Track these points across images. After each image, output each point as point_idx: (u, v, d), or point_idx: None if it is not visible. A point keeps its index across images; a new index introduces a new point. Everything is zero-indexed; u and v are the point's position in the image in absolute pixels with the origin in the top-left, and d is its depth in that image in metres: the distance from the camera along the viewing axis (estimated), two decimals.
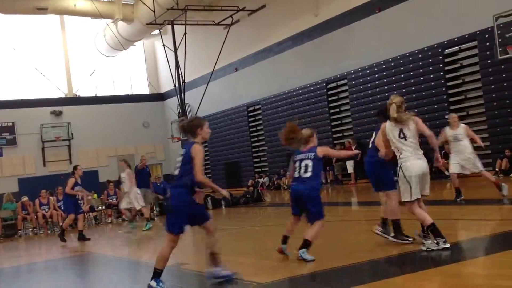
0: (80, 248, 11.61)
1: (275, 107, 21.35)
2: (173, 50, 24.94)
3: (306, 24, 20.04)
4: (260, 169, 22.86)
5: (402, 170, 5.77)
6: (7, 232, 15.20)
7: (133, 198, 13.38)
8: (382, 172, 6.49)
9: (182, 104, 23.56)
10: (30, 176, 24.82)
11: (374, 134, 6.76)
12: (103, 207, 16.96)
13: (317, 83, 19.77)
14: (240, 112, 24.02)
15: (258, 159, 23.30)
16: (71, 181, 11.92)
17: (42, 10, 23.97)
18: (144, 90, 29.56)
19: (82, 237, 11.98)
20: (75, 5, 24.25)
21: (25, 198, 16.10)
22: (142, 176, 14.29)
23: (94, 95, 27.92)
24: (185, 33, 23.07)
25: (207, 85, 23.60)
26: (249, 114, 23.67)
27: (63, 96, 27.46)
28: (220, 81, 24.19)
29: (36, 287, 7.53)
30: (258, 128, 22.87)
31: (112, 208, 16.44)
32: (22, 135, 25.49)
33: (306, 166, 6.09)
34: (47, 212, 15.50)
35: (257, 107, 23.14)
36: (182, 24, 23.08)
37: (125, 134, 26.66)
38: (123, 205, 13.92)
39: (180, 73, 24.61)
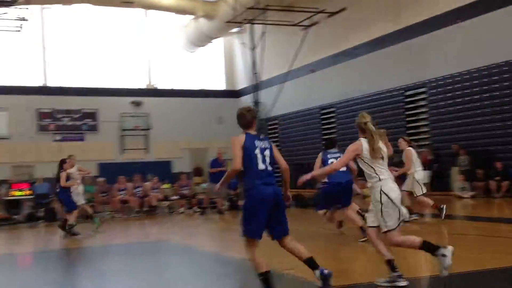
0: (154, 235, 12.18)
1: (349, 111, 21.29)
2: (250, 48, 25.42)
3: (385, 29, 19.88)
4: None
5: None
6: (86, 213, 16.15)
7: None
8: None
9: (256, 103, 23.97)
10: (109, 162, 26.04)
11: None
12: (177, 197, 17.63)
13: (394, 90, 19.58)
14: (314, 114, 24.12)
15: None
16: (63, 174, 11.97)
17: (128, 4, 24.98)
18: (220, 86, 30.22)
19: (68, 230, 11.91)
20: (160, 0, 25.17)
21: (101, 179, 16.99)
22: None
23: (172, 88, 28.84)
24: (263, 32, 23.45)
25: (282, 85, 23.86)
26: (322, 117, 23.73)
27: (143, 87, 28.55)
28: (295, 81, 24.36)
29: (109, 268, 7.99)
30: (331, 131, 22.88)
31: (184, 199, 17.09)
32: (103, 122, 26.76)
33: None
34: (124, 197, 16.36)
35: (331, 110, 23.16)
36: (261, 23, 23.46)
37: (199, 128, 27.38)
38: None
39: (256, 72, 25.04)
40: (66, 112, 26.31)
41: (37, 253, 10.35)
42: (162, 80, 28.90)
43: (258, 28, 24.61)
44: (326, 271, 5.04)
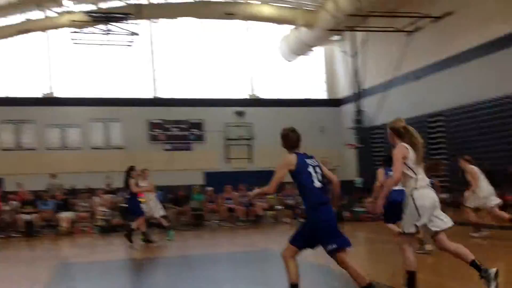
0: (259, 244, 12.43)
1: (459, 119, 20.42)
2: (352, 56, 25.21)
3: (498, 32, 18.87)
4: (441, 184, 22.02)
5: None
6: (196, 221, 16.84)
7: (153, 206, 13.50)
8: None
9: (359, 111, 23.71)
10: (215, 171, 26.94)
11: None
12: (281, 206, 17.86)
13: (510, 97, 18.51)
14: (421, 122, 23.35)
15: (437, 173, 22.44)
16: (133, 181, 12.46)
17: (230, 15, 25.76)
18: (321, 95, 30.23)
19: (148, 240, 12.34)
20: (261, 11, 25.73)
21: (209, 189, 17.62)
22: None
23: (274, 97, 29.29)
24: (365, 39, 23.19)
25: (385, 93, 23.40)
26: (430, 125, 22.93)
27: (246, 97, 29.24)
28: (399, 89, 23.78)
29: (214, 276, 8.25)
30: (439, 140, 22.02)
31: (289, 209, 17.29)
32: (209, 132, 27.75)
33: None
34: (230, 206, 16.87)
35: (439, 118, 22.34)
36: (362, 30, 23.21)
37: (303, 138, 27.53)
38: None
39: (358, 80, 24.78)
40: (174, 123, 27.58)
41: (148, 259, 10.91)
42: (264, 90, 29.45)
43: (359, 35, 24.37)
44: None
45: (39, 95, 26.83)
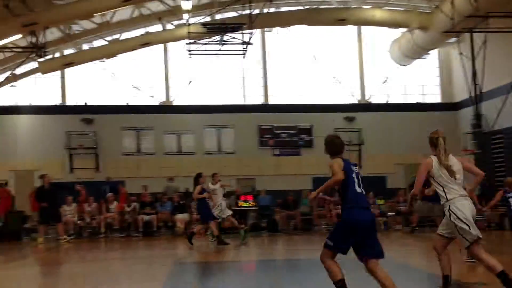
0: None
1: None
2: (470, 58, 23.98)
3: None
4: None
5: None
6: (305, 226, 16.92)
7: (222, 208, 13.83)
8: None
9: (478, 115, 22.50)
10: (323, 176, 26.82)
11: None
12: (393, 213, 17.41)
13: None
14: None
15: None
16: (198, 188, 12.96)
17: (341, 21, 25.56)
18: (436, 99, 29.07)
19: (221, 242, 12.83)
20: (373, 15, 25.27)
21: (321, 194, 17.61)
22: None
23: (385, 102, 28.64)
24: (485, 41, 22.00)
25: (507, 96, 22.01)
26: None
27: (356, 102, 28.86)
28: None
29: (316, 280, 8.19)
30: None
31: (400, 215, 16.80)
32: (318, 138, 27.71)
33: None
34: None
35: None
36: (481, 32, 22.04)
37: (414, 143, 26.66)
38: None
39: (477, 83, 23.53)
40: (284, 128, 27.89)
41: (256, 261, 11.11)
42: (376, 95, 28.90)
43: (478, 36, 23.14)
44: None
45: (157, 103, 28.42)
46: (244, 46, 23.45)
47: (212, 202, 13.75)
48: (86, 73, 28.19)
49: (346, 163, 5.72)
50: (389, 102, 28.60)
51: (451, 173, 5.88)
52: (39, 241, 14.29)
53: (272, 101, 28.84)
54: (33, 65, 27.16)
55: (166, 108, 28.07)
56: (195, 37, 23.62)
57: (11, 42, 24.28)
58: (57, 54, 27.51)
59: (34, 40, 22.04)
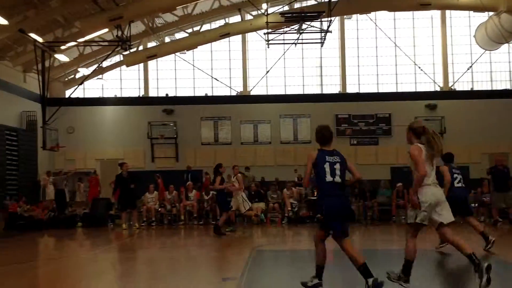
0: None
1: None
2: None
3: None
4: None
5: None
6: (382, 216, 16.64)
7: (240, 201, 13.78)
8: None
9: None
10: (401, 166, 26.18)
11: None
12: (475, 204, 16.76)
13: None
14: None
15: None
16: (218, 178, 13.19)
17: (425, 6, 24.68)
18: None
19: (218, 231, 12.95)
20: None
21: (399, 184, 17.21)
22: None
23: (470, 89, 27.48)
24: None
25: None
26: None
27: (438, 89, 27.90)
28: None
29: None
30: None
31: (484, 206, 16.14)
32: (397, 126, 27.06)
33: None
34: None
35: None
36: None
37: (500, 131, 25.45)
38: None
39: None
40: (361, 117, 27.46)
41: (336, 251, 11.09)
42: (460, 82, 27.80)
43: None
44: (379, 281, 5.66)
45: (235, 94, 28.86)
46: (323, 34, 23.24)
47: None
48: (167, 65, 29.13)
49: (321, 154, 6.01)
50: (473, 89, 27.40)
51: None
52: (122, 227, 14.99)
53: (349, 89, 28.46)
54: (118, 58, 28.41)
55: (243, 98, 28.44)
56: (274, 27, 23.70)
57: (98, 36, 25.50)
58: (140, 47, 28.58)
59: (119, 34, 22.99)
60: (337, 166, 6.01)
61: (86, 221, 15.86)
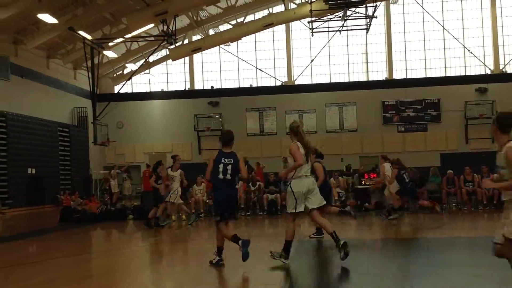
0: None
1: None
2: None
3: None
4: None
5: None
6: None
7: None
8: None
9: None
10: (452, 152, 25.62)
11: None
12: None
13: None
14: None
15: None
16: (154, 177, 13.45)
17: None
18: None
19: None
20: None
21: (449, 171, 16.79)
22: None
23: None
24: None
25: None
26: None
27: (488, 73, 27.06)
28: None
29: (450, 260, 7.89)
30: None
31: None
32: (446, 112, 26.45)
33: None
34: (471, 188, 15.88)
35: None
36: None
37: None
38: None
39: None
40: (409, 104, 26.96)
41: (383, 240, 10.99)
42: (510, 63, 26.90)
43: None
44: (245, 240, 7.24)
45: (280, 84, 28.83)
46: (368, 20, 22.90)
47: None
48: (212, 57, 29.40)
49: (218, 156, 7.30)
50: None
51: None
52: (172, 219, 15.29)
53: (396, 75, 27.96)
54: (164, 52, 28.88)
55: (288, 88, 28.41)
56: (317, 15, 23.51)
57: (145, 32, 25.99)
58: (185, 41, 28.95)
59: (165, 28, 23.35)
60: (229, 167, 7.26)
61: (136, 213, 16.23)
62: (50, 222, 15.82)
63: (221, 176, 7.24)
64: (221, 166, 7.26)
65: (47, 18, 20.51)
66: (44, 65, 24.77)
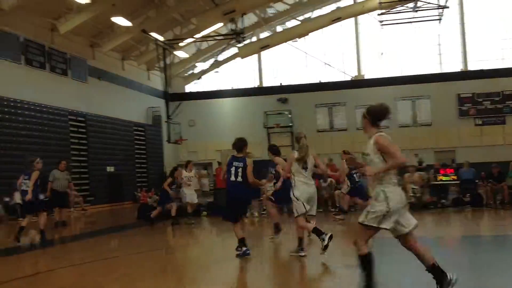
0: None
1: None
2: None
3: None
4: None
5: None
6: None
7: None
8: None
9: None
10: None
11: None
12: None
13: None
14: None
15: None
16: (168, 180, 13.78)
17: None
18: None
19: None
20: None
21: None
22: None
23: None
24: None
25: None
26: None
27: None
28: None
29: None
30: None
31: None
32: None
33: None
34: None
35: None
36: None
37: None
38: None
39: None
40: (486, 96, 25.90)
41: (460, 238, 10.62)
42: None
43: None
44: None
45: (349, 78, 28.47)
46: (440, 10, 22.20)
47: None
48: (280, 54, 29.44)
49: (230, 160, 8.07)
50: None
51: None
52: (254, 215, 15.43)
53: (472, 67, 26.90)
54: (232, 51, 29.23)
55: (357, 83, 28.01)
56: (387, 7, 23.05)
57: (214, 31, 26.42)
58: (253, 39, 29.17)
59: (233, 27, 23.64)
60: (240, 170, 7.87)
61: (210, 209, 16.54)
62: (129, 218, 16.41)
63: (232, 178, 7.90)
64: (233, 169, 7.93)
65: (121, 21, 21.29)
66: (119, 67, 25.70)
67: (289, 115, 27.93)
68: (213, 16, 23.37)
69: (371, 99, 27.42)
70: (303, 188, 7.66)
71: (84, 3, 19.50)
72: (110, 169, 24.02)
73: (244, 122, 28.47)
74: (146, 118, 27.82)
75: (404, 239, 4.97)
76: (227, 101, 29.35)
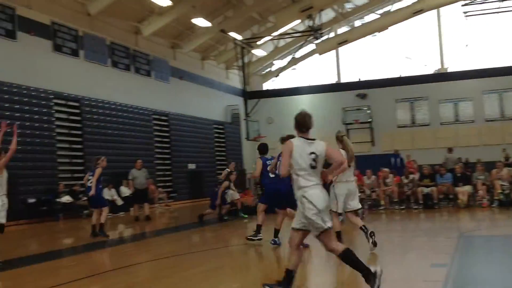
0: None
1: None
2: None
3: None
4: None
5: None
6: None
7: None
8: None
9: None
10: None
11: None
12: None
13: None
14: None
15: None
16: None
17: None
18: None
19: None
20: None
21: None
22: None
23: None
24: None
25: None
26: None
27: None
28: None
29: None
30: None
31: None
32: None
33: None
34: None
35: None
36: None
37: None
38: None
39: None
40: None
41: None
42: None
43: None
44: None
45: (431, 72, 27.54)
46: None
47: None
48: (358, 49, 28.97)
49: (263, 159, 9.30)
50: None
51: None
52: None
53: None
54: (310, 47, 29.12)
55: (440, 76, 27.06)
56: None
57: (291, 28, 26.45)
58: (331, 34, 28.90)
59: (310, 23, 23.55)
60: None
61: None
62: (210, 214, 16.79)
63: (271, 174, 8.95)
64: (269, 167, 9.04)
65: (201, 22, 21.81)
66: (199, 67, 26.33)
67: (368, 111, 27.43)
68: (290, 13, 23.40)
69: (455, 93, 26.64)
70: (343, 186, 8.09)
71: (165, 6, 20.15)
72: (192, 166, 24.67)
73: (322, 119, 28.17)
74: (225, 116, 28.31)
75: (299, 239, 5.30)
76: (304, 98, 29.27)
